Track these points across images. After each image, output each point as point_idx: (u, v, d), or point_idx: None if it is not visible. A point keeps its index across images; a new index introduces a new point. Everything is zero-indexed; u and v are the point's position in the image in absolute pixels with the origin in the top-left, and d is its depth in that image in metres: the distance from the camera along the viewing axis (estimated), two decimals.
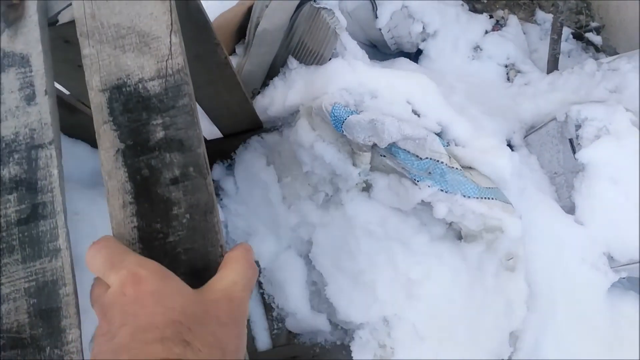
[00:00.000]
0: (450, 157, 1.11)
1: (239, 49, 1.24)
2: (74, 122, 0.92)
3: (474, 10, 1.81)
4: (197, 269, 0.48)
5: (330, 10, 1.14)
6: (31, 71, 0.53)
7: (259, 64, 1.19)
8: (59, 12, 0.56)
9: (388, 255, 1.14)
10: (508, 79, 1.61)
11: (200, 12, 0.74)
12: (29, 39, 0.54)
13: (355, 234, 1.17)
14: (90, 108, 0.51)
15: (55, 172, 0.51)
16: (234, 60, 1.24)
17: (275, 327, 1.21)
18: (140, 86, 0.52)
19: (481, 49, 1.67)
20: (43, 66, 0.53)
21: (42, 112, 0.52)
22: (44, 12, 0.56)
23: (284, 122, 1.27)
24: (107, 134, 0.51)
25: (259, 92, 1.30)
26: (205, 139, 1.09)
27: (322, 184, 1.17)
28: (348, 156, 1.14)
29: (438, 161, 1.08)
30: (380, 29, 1.48)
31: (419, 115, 1.12)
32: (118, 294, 0.40)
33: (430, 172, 1.08)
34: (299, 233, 1.21)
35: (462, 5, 1.77)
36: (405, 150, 1.07)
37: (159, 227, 0.49)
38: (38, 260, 0.49)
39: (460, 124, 1.16)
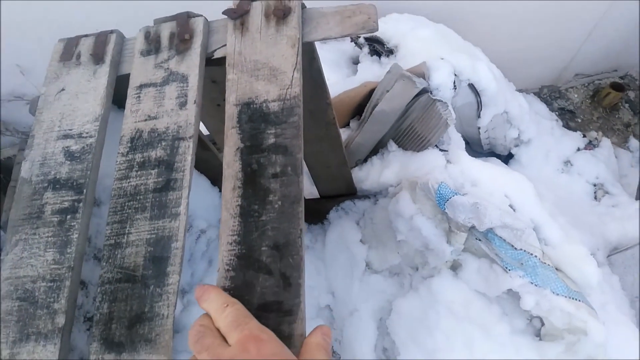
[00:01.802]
0: (543, 253, 1.15)
1: (353, 124, 1.42)
2: (202, 157, 1.11)
3: (567, 127, 1.90)
4: (278, 244, 0.60)
5: (445, 103, 1.29)
6: (187, 86, 0.72)
7: (369, 138, 1.35)
8: (215, 50, 0.76)
9: (466, 338, 1.16)
10: (595, 198, 1.64)
11: (320, 73, 0.92)
12: (190, 65, 0.74)
13: (437, 309, 1.20)
14: (218, 149, 0.67)
15: (189, 158, 0.67)
16: (346, 133, 1.41)
17: None
18: (264, 105, 0.68)
19: (572, 164, 1.74)
20: (196, 84, 0.72)
21: (189, 115, 0.70)
22: (204, 48, 0.76)
23: (379, 193, 1.40)
24: (232, 136, 0.67)
25: (355, 165, 1.45)
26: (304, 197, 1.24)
27: (413, 254, 1.24)
28: (444, 233, 1.21)
29: (532, 254, 1.12)
30: (479, 128, 1.60)
31: (514, 210, 1.19)
32: (241, 350, 0.49)
33: (522, 264, 1.13)
34: (378, 297, 1.27)
35: (557, 120, 1.87)
36: (501, 238, 1.14)
37: (256, 208, 0.62)
38: (161, 219, 0.64)
39: (552, 227, 1.21)
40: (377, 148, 1.42)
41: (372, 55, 1.52)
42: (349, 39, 1.59)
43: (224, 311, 0.53)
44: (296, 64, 0.70)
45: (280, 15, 0.74)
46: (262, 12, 0.75)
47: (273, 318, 0.56)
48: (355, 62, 1.61)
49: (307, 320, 0.57)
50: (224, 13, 0.76)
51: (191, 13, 0.79)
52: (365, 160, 1.43)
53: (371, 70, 1.48)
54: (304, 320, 0.56)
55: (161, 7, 1.06)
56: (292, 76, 0.69)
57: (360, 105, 1.37)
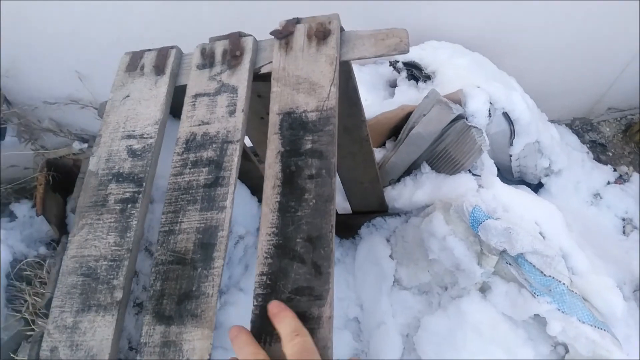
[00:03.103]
0: (571, 281, 1.19)
1: (389, 144, 1.50)
2: (244, 167, 1.21)
3: (598, 160, 1.93)
4: (311, 237, 0.68)
5: (480, 129, 1.35)
6: (236, 97, 0.83)
7: (403, 159, 1.43)
8: (262, 66, 0.87)
9: None
10: (624, 232, 1.66)
11: (355, 92, 1.01)
12: (240, 78, 0.85)
13: (464, 329, 1.25)
14: (259, 161, 0.76)
15: (235, 159, 0.77)
16: (382, 152, 1.49)
17: None
18: (303, 115, 0.77)
19: (601, 197, 1.77)
20: (244, 95, 0.83)
21: (237, 122, 0.80)
22: (253, 64, 0.87)
23: (411, 212, 1.47)
24: (274, 141, 0.76)
25: (389, 184, 1.52)
26: (336, 212, 1.32)
27: (443, 274, 1.30)
28: (475, 255, 1.26)
29: (560, 282, 1.17)
30: (510, 156, 1.65)
31: (544, 237, 1.24)
32: None
33: (550, 290, 1.17)
34: (406, 313, 1.33)
35: (588, 153, 1.90)
36: (531, 263, 1.19)
37: (292, 204, 0.71)
38: (210, 211, 0.73)
39: (579, 256, 1.25)
40: (411, 169, 1.49)
41: (409, 80, 1.60)
42: (387, 62, 1.68)
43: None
44: (333, 79, 0.80)
45: (320, 36, 0.84)
46: (305, 33, 0.85)
47: (305, 301, 0.64)
48: (392, 85, 1.71)
49: (335, 331, 0.65)
50: (271, 34, 0.87)
51: (242, 33, 0.90)
52: (398, 180, 1.50)
53: (408, 94, 1.57)
54: (332, 304, 0.64)
55: (214, 26, 1.18)
56: (329, 90, 0.79)
57: (397, 127, 1.45)
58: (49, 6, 1.52)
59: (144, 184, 0.79)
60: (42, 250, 1.85)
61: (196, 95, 0.86)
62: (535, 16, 1.65)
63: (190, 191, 0.76)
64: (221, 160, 0.78)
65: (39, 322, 1.56)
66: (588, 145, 2.07)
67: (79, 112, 1.85)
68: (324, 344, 0.61)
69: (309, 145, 0.75)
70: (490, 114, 1.39)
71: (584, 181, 1.88)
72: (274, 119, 0.79)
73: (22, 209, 2.06)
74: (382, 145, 1.53)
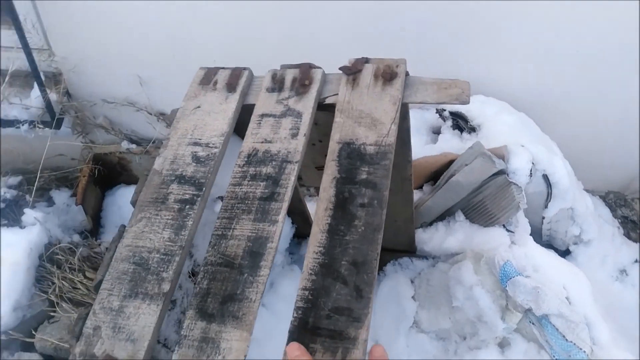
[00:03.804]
0: (592, 350, 1.19)
1: (426, 188, 1.54)
2: None
3: (628, 236, 1.93)
4: (357, 261, 0.72)
5: (520, 187, 1.38)
6: (300, 121, 0.88)
7: (439, 204, 1.47)
8: (327, 97, 0.93)
9: None
10: None
11: (407, 133, 1.06)
12: (306, 105, 0.91)
13: None
14: (302, 185, 0.81)
15: (292, 178, 0.82)
16: (419, 195, 1.53)
17: None
18: (362, 147, 0.82)
19: (627, 274, 1.77)
20: (308, 121, 0.88)
21: (298, 145, 0.86)
22: (319, 94, 0.93)
23: (439, 257, 1.49)
24: (331, 167, 0.81)
25: (420, 226, 1.55)
26: None
27: (464, 323, 1.31)
28: (500, 309, 1.28)
29: (581, 349, 1.18)
30: (543, 218, 1.67)
31: (570, 303, 1.25)
32: None
33: (570, 356, 1.18)
34: (421, 356, 1.33)
35: (619, 228, 1.91)
36: (554, 326, 1.20)
37: (342, 229, 0.75)
38: (262, 223, 0.78)
39: (602, 327, 1.26)
40: (445, 215, 1.53)
41: (454, 129, 1.65)
42: (434, 109, 1.74)
43: None
44: (395, 118, 0.85)
45: (387, 77, 0.89)
46: (372, 73, 0.91)
47: (343, 321, 0.68)
48: (436, 131, 1.75)
49: None
50: (340, 69, 0.93)
51: (312, 64, 0.96)
52: (430, 224, 1.53)
53: (451, 143, 1.61)
54: (368, 328, 0.67)
55: (276, 53, 1.26)
56: (390, 128, 0.84)
57: (437, 172, 1.49)
58: (124, 10, 1.63)
59: (204, 189, 0.84)
60: (76, 238, 1.91)
61: (262, 115, 0.91)
62: (585, 85, 1.69)
63: (246, 202, 0.81)
64: (279, 177, 0.83)
65: (64, 306, 1.62)
66: (619, 221, 2.06)
67: (133, 114, 1.94)
68: None
69: (364, 176, 0.80)
70: (531, 173, 1.43)
71: (612, 255, 1.87)
72: (333, 147, 0.84)
73: (61, 196, 2.14)
74: (420, 187, 1.57)
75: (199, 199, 0.83)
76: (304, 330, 0.68)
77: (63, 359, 1.58)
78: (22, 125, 1.81)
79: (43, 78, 1.76)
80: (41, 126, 1.81)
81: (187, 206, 0.82)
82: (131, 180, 2.23)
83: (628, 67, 1.60)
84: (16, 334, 1.56)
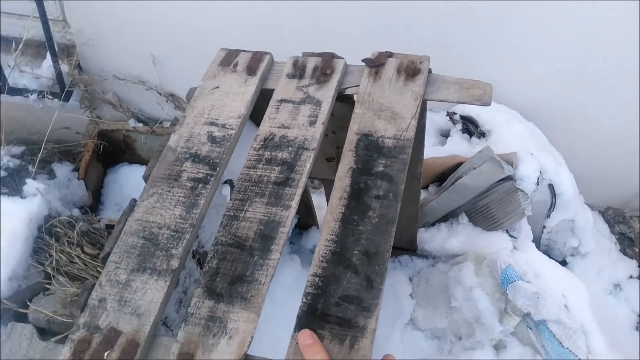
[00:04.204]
0: (587, 358, 1.20)
1: (432, 188, 1.54)
2: None
3: (624, 252, 1.94)
4: (369, 252, 0.72)
5: (526, 194, 1.38)
6: (319, 110, 0.88)
7: (444, 205, 1.47)
8: (347, 87, 0.92)
9: None
10: (637, 329, 1.67)
11: (423, 130, 1.06)
12: (326, 94, 0.90)
13: None
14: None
15: (308, 165, 0.81)
16: (424, 194, 1.53)
17: None
18: (380, 139, 0.82)
19: (621, 289, 1.79)
20: (327, 110, 0.88)
21: (316, 132, 0.85)
22: (339, 84, 0.92)
23: (439, 257, 1.49)
24: (348, 157, 0.81)
25: (422, 226, 1.55)
26: None
27: (461, 323, 1.31)
28: (498, 312, 1.28)
29: (577, 356, 1.18)
30: (543, 227, 1.67)
31: (568, 310, 1.25)
32: None
33: None
34: (415, 354, 1.34)
35: (616, 243, 1.92)
36: (551, 332, 1.20)
37: (355, 218, 0.75)
38: (275, 207, 0.77)
39: (598, 337, 1.26)
40: (448, 217, 1.52)
41: (463, 133, 1.65)
42: (444, 112, 1.73)
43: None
44: (415, 114, 0.84)
45: (410, 73, 0.89)
46: (396, 67, 0.91)
47: (352, 309, 0.67)
48: (444, 134, 1.75)
49: None
50: (363, 61, 0.92)
51: (335, 54, 0.95)
52: (433, 224, 1.53)
53: (460, 146, 1.61)
54: (377, 318, 0.67)
55: (292, 40, 1.25)
56: (410, 122, 0.83)
57: (444, 174, 1.49)
58: None
59: (218, 169, 0.83)
60: (76, 212, 1.90)
61: (281, 101, 0.91)
62: (592, 101, 1.69)
63: (260, 185, 0.80)
64: (294, 163, 0.82)
65: (60, 279, 1.61)
66: (617, 236, 2.07)
67: (142, 93, 1.93)
68: (364, 353, 0.64)
69: (380, 168, 0.79)
70: (538, 182, 1.43)
71: (607, 269, 1.89)
72: (351, 137, 0.84)
73: (62, 170, 2.13)
74: (425, 187, 1.56)
75: (212, 178, 0.82)
76: (313, 316, 0.68)
77: (56, 331, 1.57)
78: (31, 94, 1.80)
79: (56, 49, 1.75)
80: (50, 97, 1.80)
81: (200, 185, 0.82)
82: (134, 159, 2.22)
83: (635, 86, 1.61)
84: (10, 304, 1.55)
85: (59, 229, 1.73)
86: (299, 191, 0.79)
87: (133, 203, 0.82)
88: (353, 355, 0.64)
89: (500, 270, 1.23)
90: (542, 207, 1.63)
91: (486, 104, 0.86)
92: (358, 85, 0.91)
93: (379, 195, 0.77)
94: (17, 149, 2.02)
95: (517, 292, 1.20)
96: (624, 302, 1.80)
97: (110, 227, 1.81)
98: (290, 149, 0.84)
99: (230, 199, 0.80)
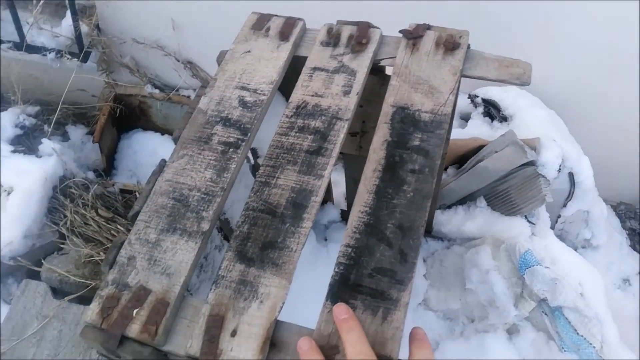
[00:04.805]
0: (602, 347, 1.19)
1: (451, 170, 1.52)
2: None
3: (634, 248, 1.94)
4: (403, 226, 0.70)
5: (548, 180, 1.36)
6: (354, 80, 0.86)
7: (462, 188, 1.45)
8: (383, 59, 0.90)
9: None
10: None
11: (453, 109, 1.03)
12: (361, 64, 0.88)
13: None
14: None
15: (341, 135, 0.80)
16: (442, 176, 1.51)
17: None
18: (417, 113, 0.80)
19: (630, 284, 1.79)
20: (362, 80, 0.86)
21: (350, 102, 0.83)
22: (375, 54, 0.90)
23: (454, 240, 1.48)
24: (383, 129, 0.79)
25: (439, 208, 1.54)
26: None
27: (474, 306, 1.31)
28: (514, 296, 1.27)
29: (591, 344, 1.18)
30: (558, 217, 1.66)
31: (583, 298, 1.24)
32: None
33: (579, 349, 1.18)
34: (428, 332, 1.33)
35: (626, 239, 1.92)
36: (567, 319, 1.20)
37: (390, 192, 0.73)
38: (307, 176, 0.76)
39: (612, 327, 1.26)
40: (465, 199, 1.51)
41: (484, 116, 1.63)
42: (465, 95, 1.71)
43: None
44: (453, 89, 0.82)
45: (449, 47, 0.87)
46: (434, 40, 0.89)
47: (385, 282, 0.66)
48: (463, 117, 1.73)
49: None
50: (401, 32, 0.90)
51: (371, 24, 0.93)
52: (449, 207, 1.52)
53: (480, 129, 1.59)
54: (411, 292, 0.66)
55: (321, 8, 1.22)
56: (448, 98, 0.82)
57: (464, 156, 1.47)
58: None
59: (249, 134, 0.82)
60: (90, 175, 1.89)
61: (315, 69, 0.89)
62: (615, 92, 1.67)
63: (292, 153, 0.79)
64: (327, 132, 0.81)
65: (74, 239, 1.61)
66: (627, 232, 2.06)
67: (160, 59, 1.90)
68: (397, 326, 0.63)
69: (416, 142, 0.78)
70: (560, 169, 1.41)
71: (617, 264, 1.88)
72: (386, 109, 0.82)
73: (77, 132, 2.11)
74: (445, 169, 1.55)
75: (243, 143, 0.81)
76: (345, 286, 0.67)
77: (67, 292, 1.57)
78: (49, 53, 1.77)
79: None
80: (69, 57, 1.77)
81: (231, 149, 0.80)
82: (149, 126, 2.20)
83: None
84: (24, 261, 1.56)
85: (73, 191, 1.72)
86: (332, 161, 0.78)
87: (163, 163, 0.81)
88: (385, 327, 0.64)
89: (519, 255, 1.22)
90: (560, 195, 1.62)
91: (525, 83, 0.84)
92: (394, 57, 0.89)
93: (415, 169, 0.75)
94: (32, 109, 2.00)
95: (535, 277, 1.19)
96: (631, 297, 1.80)
97: (124, 191, 1.80)
98: (323, 118, 0.82)
99: (262, 165, 0.79)
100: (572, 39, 1.57)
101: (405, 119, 0.80)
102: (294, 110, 0.84)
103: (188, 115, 0.86)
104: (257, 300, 0.66)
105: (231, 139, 0.81)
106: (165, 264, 0.71)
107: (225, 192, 0.77)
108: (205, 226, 0.73)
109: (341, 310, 0.64)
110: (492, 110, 1.62)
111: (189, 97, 1.99)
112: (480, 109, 1.65)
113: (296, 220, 0.73)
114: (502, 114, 1.59)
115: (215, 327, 0.65)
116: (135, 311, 0.67)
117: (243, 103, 0.86)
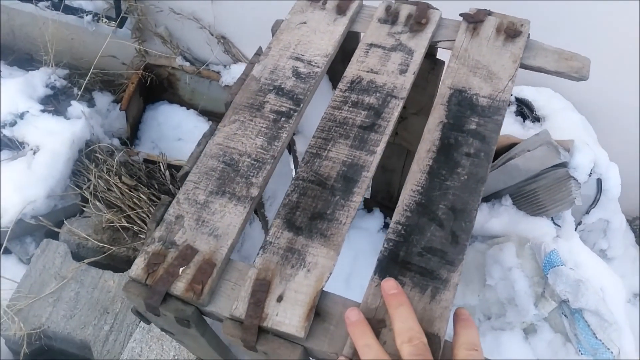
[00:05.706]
0: (620, 353, 1.18)
1: None
2: None
3: None
4: (455, 208, 0.69)
5: (579, 184, 1.34)
6: (411, 59, 0.84)
7: (491, 185, 1.43)
8: (441, 41, 0.88)
9: None
10: None
11: None
12: (419, 43, 0.86)
13: None
14: None
15: (395, 114, 0.78)
16: None
17: None
18: (474, 97, 0.79)
19: None
20: (419, 60, 0.84)
21: (405, 81, 0.82)
22: (433, 36, 0.88)
23: (475, 237, 1.46)
24: (439, 110, 0.78)
25: None
26: None
27: (493, 302, 1.29)
28: (534, 296, 1.25)
29: (609, 349, 1.16)
30: (579, 223, 1.64)
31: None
32: None
33: (596, 353, 1.16)
34: None
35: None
36: (586, 322, 1.18)
37: (443, 173, 0.72)
38: (359, 151, 0.75)
39: (629, 336, 1.24)
40: (490, 197, 1.49)
41: (516, 115, 1.60)
42: None
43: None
44: (513, 76, 0.81)
45: (510, 34, 0.85)
46: (495, 26, 0.87)
47: (435, 261, 0.65)
48: None
49: None
50: (461, 15, 0.88)
51: (430, 5, 0.91)
52: None
53: (511, 128, 1.57)
54: (460, 273, 0.64)
55: None
56: (506, 84, 0.80)
57: (495, 153, 1.44)
58: None
59: (302, 105, 0.80)
60: (116, 142, 1.89)
61: (371, 45, 0.87)
62: None
63: (345, 127, 0.78)
64: (381, 109, 0.79)
65: (97, 204, 1.60)
66: None
67: (194, 31, 1.88)
68: (445, 305, 0.62)
69: (473, 126, 0.76)
70: (591, 174, 1.39)
71: (629, 278, 1.87)
72: (443, 91, 0.80)
73: (103, 99, 2.11)
74: None
75: (295, 114, 0.79)
76: (394, 262, 0.65)
77: (83, 256, 1.57)
78: (86, 15, 1.76)
79: None
80: (106, 20, 1.76)
81: (283, 119, 0.79)
82: (175, 99, 2.19)
83: None
84: (45, 221, 1.55)
85: (98, 155, 1.72)
86: (385, 138, 0.76)
87: (214, 126, 0.80)
88: (434, 306, 0.62)
89: (544, 254, 1.20)
90: (585, 201, 1.60)
91: (584, 77, 0.82)
92: (452, 40, 0.87)
93: (470, 153, 0.74)
94: (61, 72, 1.99)
95: (559, 277, 1.17)
96: None
97: (148, 161, 1.79)
98: (377, 94, 0.81)
99: (313, 137, 0.77)
100: (613, 49, 1.55)
101: (463, 102, 0.79)
102: (348, 85, 0.83)
103: (241, 81, 0.84)
104: (304, 269, 0.65)
105: (283, 109, 0.80)
106: (213, 225, 0.69)
107: (275, 161, 0.75)
108: (255, 192, 0.72)
109: (390, 285, 0.62)
110: (525, 110, 1.60)
111: (218, 72, 1.98)
112: (513, 108, 1.63)
113: (346, 194, 0.71)
114: (535, 114, 1.57)
115: (261, 291, 0.64)
116: (181, 269, 0.65)
117: (297, 74, 0.84)
